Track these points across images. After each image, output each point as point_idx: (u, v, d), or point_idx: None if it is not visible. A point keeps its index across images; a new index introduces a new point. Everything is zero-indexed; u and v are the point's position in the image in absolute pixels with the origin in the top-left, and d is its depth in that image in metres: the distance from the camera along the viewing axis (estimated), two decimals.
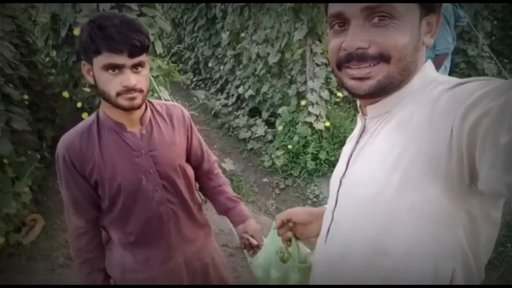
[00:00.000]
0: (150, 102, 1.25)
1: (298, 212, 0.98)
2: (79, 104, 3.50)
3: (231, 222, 1.44)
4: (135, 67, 1.05)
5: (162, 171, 1.20)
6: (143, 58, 1.06)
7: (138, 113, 1.17)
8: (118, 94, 1.05)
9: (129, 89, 1.04)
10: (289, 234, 0.97)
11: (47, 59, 5.06)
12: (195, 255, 1.33)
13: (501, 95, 0.46)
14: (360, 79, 0.66)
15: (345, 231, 0.74)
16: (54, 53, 4.36)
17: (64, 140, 1.15)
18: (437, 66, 3.74)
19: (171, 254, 1.27)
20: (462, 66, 5.01)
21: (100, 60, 1.02)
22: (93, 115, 1.19)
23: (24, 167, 3.00)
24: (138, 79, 1.05)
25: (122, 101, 1.06)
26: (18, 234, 2.89)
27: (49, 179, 4.02)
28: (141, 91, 1.07)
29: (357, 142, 0.76)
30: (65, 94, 3.70)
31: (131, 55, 1.02)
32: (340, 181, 0.77)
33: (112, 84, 1.04)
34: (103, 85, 1.05)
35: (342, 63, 0.67)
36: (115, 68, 1.02)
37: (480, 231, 0.61)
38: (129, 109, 1.09)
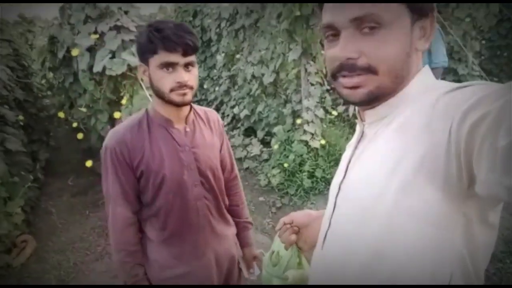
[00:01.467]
0: (192, 105, 1.34)
1: (299, 214, 0.99)
2: (74, 124, 3.51)
3: (237, 239, 1.50)
4: (187, 66, 1.16)
5: (201, 168, 1.28)
6: (193, 58, 1.17)
7: (184, 111, 1.27)
8: (172, 90, 1.15)
9: (182, 85, 1.14)
10: (293, 237, 0.96)
11: (43, 81, 5.10)
12: (224, 252, 1.38)
13: (500, 98, 0.46)
14: (352, 87, 0.66)
15: (342, 236, 0.73)
16: (50, 75, 4.39)
17: (114, 134, 1.22)
18: None
19: (204, 250, 1.31)
20: None
21: (157, 59, 1.13)
22: (142, 112, 1.27)
23: (17, 187, 2.96)
24: (189, 77, 1.16)
25: (175, 97, 1.16)
26: (8, 256, 2.83)
27: (41, 200, 3.98)
28: (191, 88, 1.18)
29: (356, 147, 0.76)
30: (61, 114, 3.71)
31: (185, 54, 1.13)
32: (339, 187, 0.77)
33: (166, 81, 1.14)
34: (158, 82, 1.15)
35: (336, 73, 0.68)
36: (170, 66, 1.13)
37: (478, 235, 0.60)
38: (181, 105, 1.19)
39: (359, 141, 0.76)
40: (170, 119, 1.24)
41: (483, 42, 6.32)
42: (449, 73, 5.32)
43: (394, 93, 0.68)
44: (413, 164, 0.59)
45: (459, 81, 5.16)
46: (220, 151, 1.40)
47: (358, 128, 0.80)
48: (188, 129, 1.28)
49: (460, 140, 0.51)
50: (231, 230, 1.44)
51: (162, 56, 1.12)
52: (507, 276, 2.47)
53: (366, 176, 0.68)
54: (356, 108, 0.79)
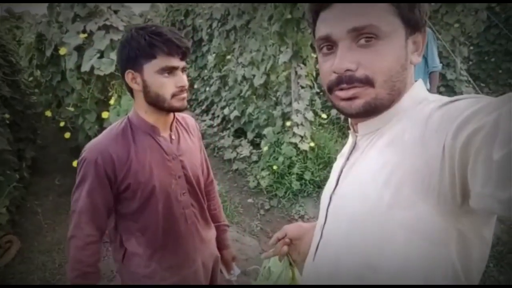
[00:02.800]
0: None
1: (291, 227, 0.99)
2: (62, 124, 3.46)
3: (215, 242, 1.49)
4: (183, 69, 1.14)
5: (188, 176, 1.25)
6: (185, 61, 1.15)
7: (171, 118, 1.24)
8: (173, 96, 1.11)
9: (183, 90, 1.12)
10: (285, 248, 0.97)
11: (31, 78, 5.02)
12: (209, 255, 1.38)
13: (493, 111, 0.45)
14: (349, 99, 0.66)
15: (334, 248, 0.72)
16: (38, 73, 4.32)
17: (96, 145, 1.15)
18: (434, 83, 3.86)
19: (194, 257, 1.30)
20: (441, 90, 5.18)
21: (156, 64, 1.08)
22: (124, 120, 1.21)
23: (2, 186, 2.91)
24: (186, 80, 1.14)
25: (176, 102, 1.12)
26: None
27: (27, 200, 3.92)
28: (187, 91, 1.16)
29: (348, 158, 0.76)
30: (48, 113, 3.65)
31: (183, 57, 1.11)
32: (330, 198, 0.77)
33: (168, 86, 1.10)
34: (158, 88, 1.10)
35: (333, 87, 0.68)
36: (170, 70, 1.09)
37: (472, 250, 0.60)
38: (182, 110, 1.16)
39: (351, 152, 0.76)
40: (156, 127, 1.20)
41: (471, 47, 6.43)
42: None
43: (389, 107, 0.68)
44: (406, 177, 0.59)
45: (447, 85, 5.25)
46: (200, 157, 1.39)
47: (350, 139, 0.80)
48: (173, 137, 1.25)
49: (454, 154, 0.51)
50: (213, 233, 1.44)
51: (163, 61, 1.07)
52: (490, 279, 2.51)
53: (358, 188, 0.68)
54: (349, 119, 0.79)
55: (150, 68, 1.09)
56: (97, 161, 1.11)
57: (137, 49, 1.08)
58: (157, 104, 1.13)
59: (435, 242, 0.58)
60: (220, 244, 1.49)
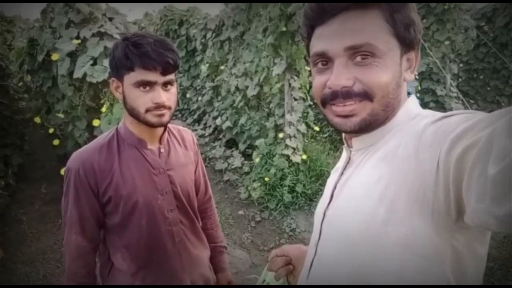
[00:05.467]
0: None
1: (290, 247, 0.96)
2: (51, 130, 3.40)
3: (210, 263, 1.43)
4: (165, 85, 1.07)
5: (176, 191, 1.20)
6: (173, 76, 1.09)
7: (159, 131, 1.19)
8: (147, 111, 1.06)
9: (159, 106, 1.06)
10: (284, 269, 0.92)
11: (20, 83, 4.93)
12: (199, 276, 1.31)
13: (487, 127, 0.45)
14: (345, 116, 0.66)
15: (329, 264, 0.71)
16: (28, 78, 4.25)
17: (80, 155, 1.13)
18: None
19: (181, 276, 1.23)
20: (431, 105, 5.26)
21: (133, 77, 1.04)
22: (112, 131, 1.18)
23: None
24: (167, 97, 1.08)
25: (151, 118, 1.07)
26: None
27: (12, 208, 3.82)
28: (169, 108, 1.09)
29: (342, 173, 0.76)
30: (37, 119, 3.58)
31: (164, 72, 1.04)
32: (324, 213, 0.75)
33: (142, 100, 1.05)
34: (132, 101, 1.06)
35: (327, 101, 0.68)
36: (147, 85, 1.04)
37: (467, 267, 0.60)
38: (157, 126, 1.11)
39: (345, 167, 0.76)
40: (143, 139, 1.16)
41: (461, 65, 6.57)
42: (428, 93, 5.47)
43: (383, 123, 0.68)
44: (400, 193, 0.59)
45: (437, 101, 5.33)
46: (195, 172, 1.34)
47: (344, 153, 0.79)
48: (162, 150, 1.19)
49: (449, 169, 0.50)
50: (206, 253, 1.37)
51: (139, 74, 1.03)
52: None
53: (352, 203, 0.68)
54: (343, 134, 0.78)
55: (128, 80, 1.05)
56: (79, 172, 1.09)
57: (118, 59, 1.05)
58: (133, 117, 1.10)
59: (429, 258, 0.58)
60: (216, 266, 1.42)
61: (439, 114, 0.62)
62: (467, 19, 5.34)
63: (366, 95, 0.64)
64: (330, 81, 0.65)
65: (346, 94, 0.64)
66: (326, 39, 0.66)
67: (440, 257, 0.58)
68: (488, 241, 0.62)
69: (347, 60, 0.64)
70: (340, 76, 0.64)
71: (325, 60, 0.67)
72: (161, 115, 1.08)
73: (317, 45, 0.68)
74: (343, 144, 0.80)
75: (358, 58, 0.63)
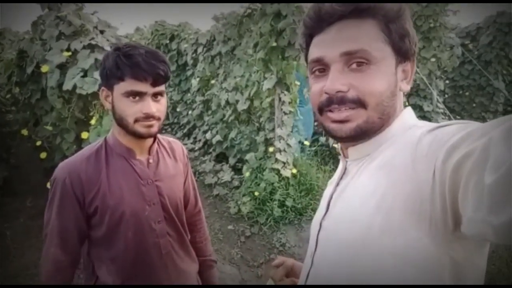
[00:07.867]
0: (156, 135, 1.25)
1: (289, 259, 0.95)
2: (38, 143, 3.35)
3: (200, 278, 1.40)
4: (155, 95, 1.08)
5: (164, 203, 1.19)
6: (163, 87, 1.10)
7: (148, 142, 1.19)
8: (136, 121, 1.06)
9: (148, 116, 1.06)
10: (285, 280, 0.91)
11: (8, 95, 4.87)
12: None
13: (482, 136, 0.45)
14: (341, 121, 0.67)
15: (325, 275, 0.70)
16: (16, 90, 4.21)
17: (66, 165, 1.11)
18: None
19: None
20: None
21: (123, 87, 1.04)
22: (101, 141, 1.17)
23: None
24: (157, 107, 1.08)
25: (140, 128, 1.07)
26: None
27: None
28: (158, 119, 1.10)
29: (338, 184, 0.76)
30: (24, 132, 3.53)
31: (154, 83, 1.05)
32: (320, 224, 0.75)
33: (131, 110, 1.05)
34: (122, 110, 1.06)
35: (323, 107, 0.69)
36: (137, 95, 1.04)
37: (466, 278, 0.59)
38: (146, 136, 1.10)
39: (341, 178, 0.76)
40: (132, 149, 1.15)
41: (447, 81, 6.71)
42: (415, 109, 5.56)
43: (379, 132, 0.69)
44: (397, 203, 0.58)
45: (424, 116, 5.41)
46: (184, 183, 1.32)
47: (340, 164, 0.80)
48: (151, 161, 1.19)
49: (445, 179, 0.51)
50: (194, 266, 1.34)
51: (129, 84, 1.03)
52: None
53: (349, 214, 0.67)
54: (339, 144, 0.79)
55: (118, 90, 1.05)
56: (65, 181, 1.08)
57: (108, 69, 1.06)
58: (122, 127, 1.10)
59: (427, 270, 0.57)
60: (205, 281, 1.40)
61: (435, 124, 0.62)
62: (452, 37, 5.49)
63: (359, 102, 0.65)
64: (326, 86, 0.66)
65: (340, 100, 0.65)
66: (323, 45, 0.68)
67: (438, 269, 0.57)
68: (487, 251, 0.61)
69: (343, 66, 0.65)
70: (336, 81, 0.65)
71: (322, 67, 0.69)
72: (150, 126, 1.08)
73: (314, 52, 0.70)
74: (335, 157, 0.80)
75: (354, 65, 0.65)
